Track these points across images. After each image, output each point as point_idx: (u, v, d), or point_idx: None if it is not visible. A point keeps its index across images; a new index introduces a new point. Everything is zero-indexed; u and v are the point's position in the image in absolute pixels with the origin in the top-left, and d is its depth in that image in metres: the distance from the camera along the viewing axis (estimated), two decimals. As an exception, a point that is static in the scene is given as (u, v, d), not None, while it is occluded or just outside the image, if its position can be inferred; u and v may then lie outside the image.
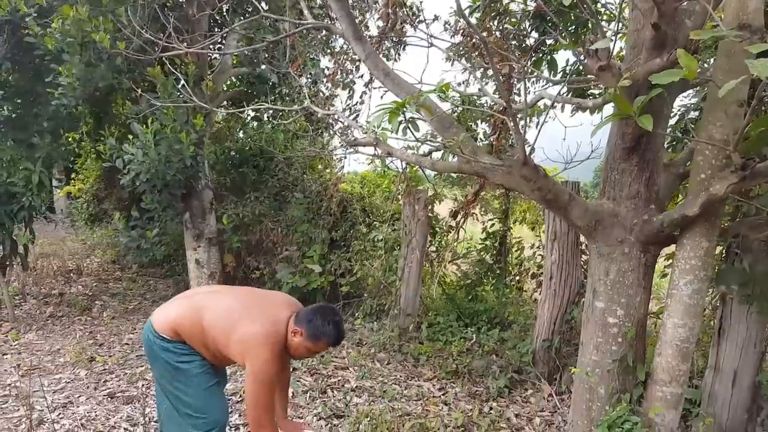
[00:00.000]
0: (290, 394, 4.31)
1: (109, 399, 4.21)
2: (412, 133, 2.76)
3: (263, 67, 6.76)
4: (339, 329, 2.59)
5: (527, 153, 2.54)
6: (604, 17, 4.18)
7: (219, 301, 2.60)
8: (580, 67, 4.43)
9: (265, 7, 6.29)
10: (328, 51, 7.51)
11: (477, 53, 4.26)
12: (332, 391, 4.44)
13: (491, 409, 4.16)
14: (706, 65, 3.61)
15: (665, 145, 3.29)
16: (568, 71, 4.89)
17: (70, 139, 6.30)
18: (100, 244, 10.80)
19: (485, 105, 5.26)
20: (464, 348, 5.12)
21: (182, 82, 4.83)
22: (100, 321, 6.33)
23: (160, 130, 5.20)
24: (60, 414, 3.92)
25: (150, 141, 5.13)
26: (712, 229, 2.55)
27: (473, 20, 4.47)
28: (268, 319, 2.50)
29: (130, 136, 5.38)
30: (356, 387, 4.52)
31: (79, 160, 8.94)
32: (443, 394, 4.42)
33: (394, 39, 5.22)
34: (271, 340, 2.45)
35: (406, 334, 5.52)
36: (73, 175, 10.23)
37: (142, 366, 4.85)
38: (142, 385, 4.47)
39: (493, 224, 6.66)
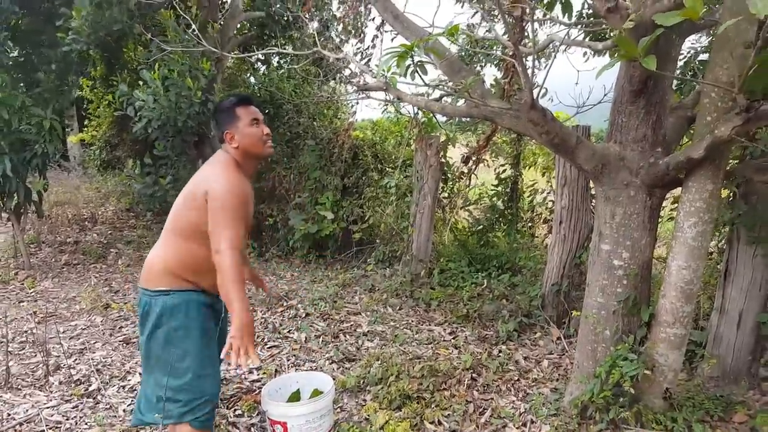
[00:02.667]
0: (303, 338, 4.45)
1: (124, 345, 4.33)
2: (421, 77, 2.75)
3: (275, 8, 6.65)
4: (236, 95, 2.49)
5: (534, 96, 2.53)
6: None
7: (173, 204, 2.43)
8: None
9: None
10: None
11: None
12: (344, 336, 4.56)
13: (500, 352, 4.26)
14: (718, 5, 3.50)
15: (673, 88, 3.24)
16: (584, 14, 4.77)
17: (82, 84, 6.31)
18: (114, 192, 10.93)
19: (497, 48, 5.17)
20: (475, 293, 5.20)
21: (193, 26, 4.81)
22: (115, 268, 6.48)
23: (169, 76, 5.18)
24: (76, 359, 4.04)
25: (159, 87, 5.13)
26: (718, 172, 2.55)
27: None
28: (214, 162, 2.38)
29: (141, 83, 5.37)
30: (368, 331, 4.64)
31: (91, 107, 8.97)
32: (453, 338, 4.53)
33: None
34: (230, 164, 2.32)
35: (417, 279, 5.61)
36: (86, 122, 10.29)
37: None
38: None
39: (505, 170, 6.65)
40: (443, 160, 5.79)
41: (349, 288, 5.76)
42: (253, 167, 2.48)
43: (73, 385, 3.64)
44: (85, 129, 10.34)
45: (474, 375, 3.80)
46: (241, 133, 2.36)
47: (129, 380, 3.74)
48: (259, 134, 2.39)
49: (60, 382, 3.68)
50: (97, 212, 9.54)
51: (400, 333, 4.57)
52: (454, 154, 6.50)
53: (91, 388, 3.60)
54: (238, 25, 7.24)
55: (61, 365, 3.91)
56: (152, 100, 5.17)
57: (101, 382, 3.68)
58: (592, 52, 4.60)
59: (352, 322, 4.83)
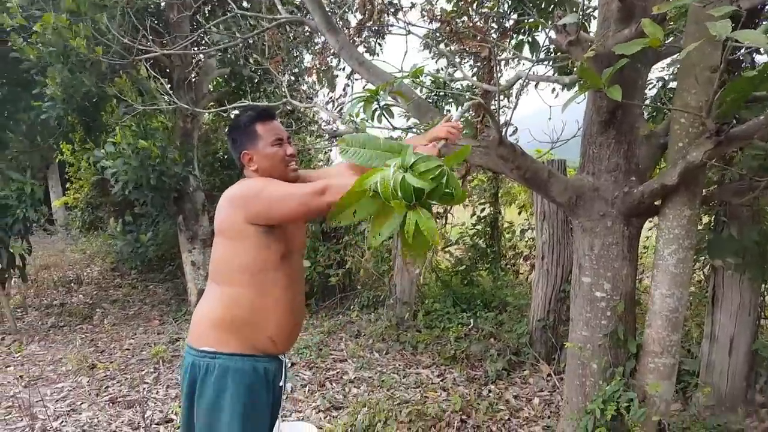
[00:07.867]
0: (288, 388, 4.32)
1: (110, 404, 4.22)
2: (388, 120, 2.75)
3: (242, 63, 6.74)
4: (255, 108, 2.18)
5: (502, 132, 2.53)
6: (580, -8, 4.15)
7: None
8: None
9: (246, 5, 6.26)
10: (311, 49, 7.49)
11: (454, 38, 4.24)
12: (331, 384, 4.45)
13: (490, 392, 4.16)
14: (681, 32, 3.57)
15: (645, 116, 3.27)
16: (551, 51, 4.87)
17: (62, 149, 6.31)
18: (99, 252, 10.83)
19: (465, 89, 5.25)
20: (462, 333, 5.11)
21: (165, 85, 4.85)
22: (101, 328, 6.36)
23: (131, 141, 5.20)
24: (63, 422, 3.93)
25: (127, 149, 5.14)
26: (694, 197, 2.53)
27: (450, 6, 4.45)
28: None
29: (105, 150, 5.39)
30: (354, 378, 4.53)
31: (71, 170, 8.95)
32: (441, 380, 4.43)
33: (373, 29, 5.18)
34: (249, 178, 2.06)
35: (403, 323, 5.52)
36: (68, 185, 10.29)
37: (142, 370, 4.87)
38: (144, 388, 4.48)
39: (484, 209, 6.65)
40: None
41: (335, 335, 5.65)
42: None
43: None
44: (68, 192, 10.32)
45: (463, 417, 3.70)
46: (260, 154, 2.04)
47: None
48: (281, 155, 2.05)
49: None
50: (82, 273, 9.44)
51: (387, 378, 4.45)
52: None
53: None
54: (213, 82, 7.30)
55: (47, 428, 3.80)
56: (122, 163, 5.16)
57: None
58: (562, 87, 4.66)
59: (338, 370, 4.72)
